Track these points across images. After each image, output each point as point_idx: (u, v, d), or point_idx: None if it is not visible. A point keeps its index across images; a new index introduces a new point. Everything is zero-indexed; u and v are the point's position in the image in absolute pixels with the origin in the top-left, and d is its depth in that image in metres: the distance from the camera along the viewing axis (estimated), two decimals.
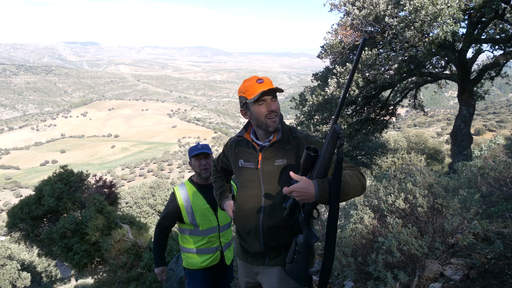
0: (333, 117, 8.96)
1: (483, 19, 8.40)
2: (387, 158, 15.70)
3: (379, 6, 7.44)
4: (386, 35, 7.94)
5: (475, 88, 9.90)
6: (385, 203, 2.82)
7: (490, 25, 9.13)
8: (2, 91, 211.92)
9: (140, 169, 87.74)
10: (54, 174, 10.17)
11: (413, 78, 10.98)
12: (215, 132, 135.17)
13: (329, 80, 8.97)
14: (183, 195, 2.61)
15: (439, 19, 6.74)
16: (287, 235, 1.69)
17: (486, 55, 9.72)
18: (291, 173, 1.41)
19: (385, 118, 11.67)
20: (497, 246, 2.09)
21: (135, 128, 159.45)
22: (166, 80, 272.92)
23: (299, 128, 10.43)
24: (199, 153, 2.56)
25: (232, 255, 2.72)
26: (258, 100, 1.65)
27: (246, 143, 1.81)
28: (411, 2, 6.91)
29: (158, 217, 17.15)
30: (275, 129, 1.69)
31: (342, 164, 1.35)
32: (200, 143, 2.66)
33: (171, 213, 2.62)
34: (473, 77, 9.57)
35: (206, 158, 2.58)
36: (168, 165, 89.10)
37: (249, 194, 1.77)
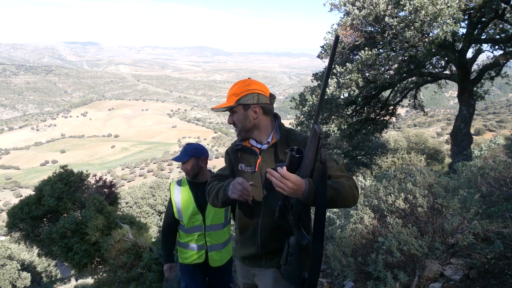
0: (334, 116, 8.77)
1: (483, 19, 8.39)
2: (387, 158, 15.68)
3: (379, 6, 7.43)
4: (386, 35, 7.93)
5: (475, 88, 9.89)
6: (385, 203, 2.82)
7: (490, 25, 9.13)
8: (2, 91, 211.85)
9: (140, 169, 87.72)
10: (54, 174, 10.16)
11: (413, 78, 10.97)
12: (215, 132, 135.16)
13: (329, 80, 8.97)
14: (176, 191, 2.68)
15: (439, 19, 6.74)
16: (284, 238, 1.67)
17: (486, 55, 9.72)
18: (279, 169, 1.35)
19: (385, 118, 11.66)
20: (497, 246, 2.09)
21: (135, 128, 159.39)
22: (166, 80, 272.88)
23: (298, 128, 10.43)
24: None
25: (221, 258, 2.67)
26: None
27: (248, 149, 1.80)
28: (411, 2, 6.91)
29: (158, 217, 17.04)
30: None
31: (326, 164, 1.33)
32: (186, 145, 2.69)
33: (168, 209, 2.73)
34: (473, 77, 9.56)
35: (184, 164, 2.64)
36: (168, 165, 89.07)
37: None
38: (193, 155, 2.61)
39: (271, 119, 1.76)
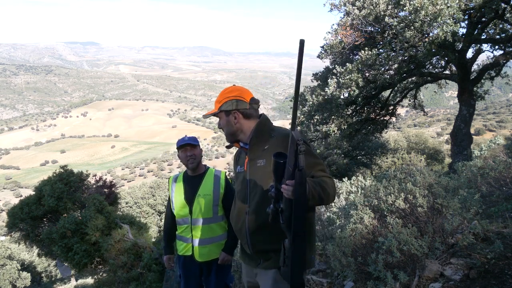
0: (334, 117, 8.71)
1: (483, 19, 8.39)
2: (387, 158, 15.69)
3: (379, 6, 7.43)
4: (386, 35, 7.93)
5: (475, 88, 9.89)
6: (385, 203, 2.82)
7: (490, 25, 9.12)
8: (2, 91, 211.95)
9: (140, 169, 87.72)
10: (54, 174, 10.16)
11: (413, 78, 10.96)
12: (215, 132, 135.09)
13: (329, 80, 8.96)
14: (172, 184, 2.78)
15: (439, 19, 6.73)
16: (273, 237, 1.69)
17: (486, 55, 9.72)
18: (287, 182, 1.37)
19: (385, 118, 11.66)
20: (497, 246, 2.09)
21: (135, 128, 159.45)
22: (166, 80, 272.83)
23: (298, 128, 10.41)
24: (185, 145, 2.65)
25: (208, 252, 2.67)
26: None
27: (241, 150, 1.90)
28: (411, 2, 6.91)
29: (158, 217, 17.05)
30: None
31: (304, 172, 1.32)
32: (188, 136, 2.74)
33: (168, 201, 2.86)
34: (473, 77, 9.56)
35: (192, 149, 2.66)
36: (168, 165, 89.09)
37: (239, 197, 1.85)
38: (198, 144, 2.71)
39: (256, 121, 1.82)
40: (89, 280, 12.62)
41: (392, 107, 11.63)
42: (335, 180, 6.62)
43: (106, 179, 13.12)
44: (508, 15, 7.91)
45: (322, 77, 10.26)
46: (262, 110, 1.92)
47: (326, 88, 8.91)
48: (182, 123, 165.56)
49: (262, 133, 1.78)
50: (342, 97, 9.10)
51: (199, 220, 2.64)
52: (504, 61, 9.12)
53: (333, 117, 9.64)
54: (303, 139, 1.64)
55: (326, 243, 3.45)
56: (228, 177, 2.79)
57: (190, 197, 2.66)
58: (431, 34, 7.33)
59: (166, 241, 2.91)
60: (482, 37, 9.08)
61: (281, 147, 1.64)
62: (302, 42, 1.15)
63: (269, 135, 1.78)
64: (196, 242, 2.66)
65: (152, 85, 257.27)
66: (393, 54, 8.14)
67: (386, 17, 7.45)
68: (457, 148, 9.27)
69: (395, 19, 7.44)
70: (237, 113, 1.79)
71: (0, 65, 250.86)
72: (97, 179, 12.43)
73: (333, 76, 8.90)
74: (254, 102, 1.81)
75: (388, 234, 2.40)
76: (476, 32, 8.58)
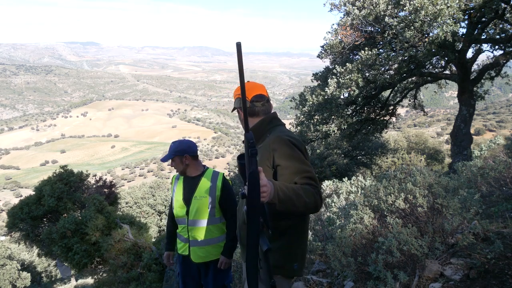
0: (334, 117, 8.70)
1: (483, 19, 8.39)
2: (387, 158, 15.69)
3: (379, 6, 7.43)
4: (386, 35, 7.93)
5: (475, 88, 9.89)
6: (385, 203, 2.82)
7: (490, 25, 9.12)
8: (2, 91, 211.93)
9: (140, 169, 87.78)
10: (54, 174, 10.16)
11: (413, 78, 10.96)
12: (215, 132, 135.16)
13: (329, 80, 8.96)
14: (174, 183, 2.81)
15: (439, 19, 6.73)
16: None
17: (486, 55, 9.72)
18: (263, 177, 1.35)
19: (385, 118, 11.65)
20: (497, 246, 2.09)
21: (135, 128, 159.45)
22: (166, 80, 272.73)
23: (298, 128, 10.42)
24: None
25: (205, 254, 2.68)
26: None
27: None
28: (411, 2, 6.90)
29: (158, 217, 17.05)
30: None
31: (254, 175, 1.27)
32: (173, 142, 2.72)
33: (170, 200, 2.91)
34: (473, 77, 9.56)
35: (172, 162, 2.70)
36: (168, 165, 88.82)
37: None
38: (176, 154, 2.65)
39: (262, 119, 1.83)
40: (89, 280, 12.61)
41: (392, 107, 11.63)
42: (335, 180, 6.62)
43: (106, 179, 13.11)
44: (508, 15, 7.91)
45: (322, 77, 10.25)
46: None
47: (326, 88, 8.91)
48: (182, 123, 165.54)
49: (258, 131, 1.79)
50: (342, 97, 9.10)
51: (195, 221, 2.64)
52: (504, 61, 9.12)
53: (333, 117, 9.64)
54: (296, 143, 1.63)
55: (326, 243, 3.45)
56: (227, 178, 2.78)
57: (187, 198, 2.66)
58: (431, 34, 7.33)
59: (167, 238, 2.95)
60: (482, 37, 9.08)
61: (267, 149, 1.67)
62: (239, 45, 1.14)
63: (266, 134, 1.78)
64: (192, 243, 2.67)
65: (152, 85, 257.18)
66: (393, 54, 8.14)
67: (386, 17, 7.46)
68: (457, 148, 9.27)
69: (395, 19, 7.44)
70: (238, 110, 1.85)
71: (0, 65, 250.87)
72: (97, 179, 12.42)
73: (333, 76, 8.90)
74: (256, 100, 1.80)
75: (388, 234, 2.40)
76: (476, 32, 8.58)
